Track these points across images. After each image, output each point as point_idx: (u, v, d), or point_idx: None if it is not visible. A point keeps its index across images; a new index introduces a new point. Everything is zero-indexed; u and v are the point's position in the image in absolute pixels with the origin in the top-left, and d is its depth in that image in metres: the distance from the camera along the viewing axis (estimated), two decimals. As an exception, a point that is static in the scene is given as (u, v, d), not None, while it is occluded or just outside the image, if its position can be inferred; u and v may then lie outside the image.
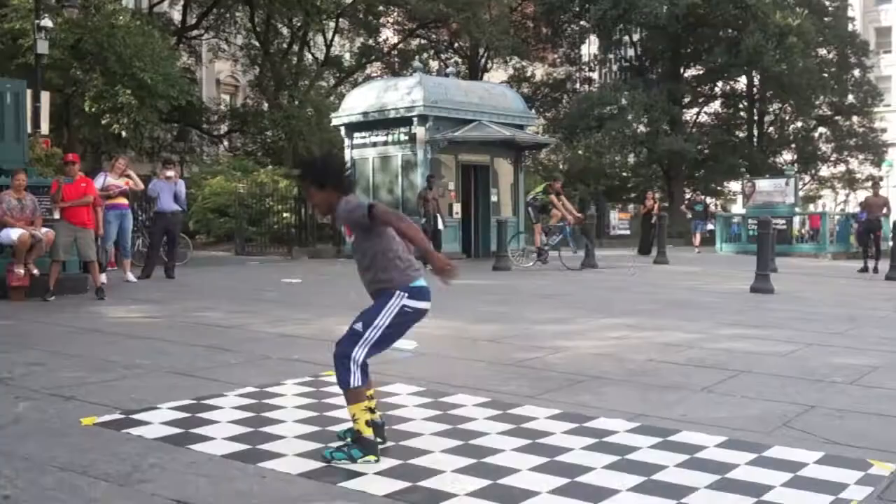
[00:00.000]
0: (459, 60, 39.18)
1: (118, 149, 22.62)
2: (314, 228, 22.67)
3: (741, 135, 43.02)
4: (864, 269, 18.21)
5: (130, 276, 13.08)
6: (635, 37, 40.55)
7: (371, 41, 37.42)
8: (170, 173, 14.25)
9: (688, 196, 39.41)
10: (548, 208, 17.43)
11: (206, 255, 20.77)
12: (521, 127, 22.22)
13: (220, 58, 36.32)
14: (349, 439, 4.00)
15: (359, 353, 3.89)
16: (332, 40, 36.17)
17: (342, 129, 21.90)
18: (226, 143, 36.92)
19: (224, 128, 36.13)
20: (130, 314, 9.37)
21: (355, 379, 3.88)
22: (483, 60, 40.14)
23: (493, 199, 21.37)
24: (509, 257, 17.19)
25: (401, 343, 7.05)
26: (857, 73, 40.48)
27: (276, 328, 8.17)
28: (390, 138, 20.70)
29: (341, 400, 4.18)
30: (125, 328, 8.15)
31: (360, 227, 3.93)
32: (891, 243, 18.10)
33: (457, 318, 9.04)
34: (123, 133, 21.34)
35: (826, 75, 38.77)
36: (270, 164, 31.38)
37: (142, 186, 14.19)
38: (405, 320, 3.98)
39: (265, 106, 33.16)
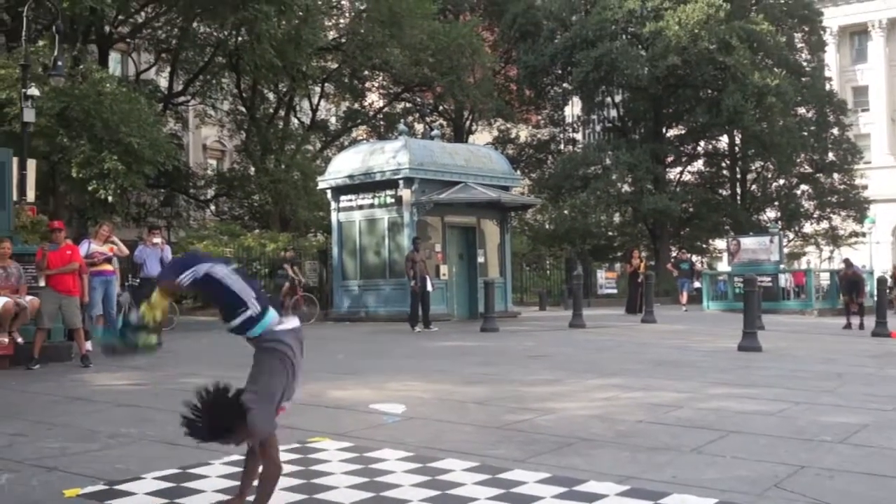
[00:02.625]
0: (444, 123, 39.65)
1: (104, 214, 22.57)
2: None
3: (724, 193, 43.44)
4: (848, 326, 18.34)
5: (116, 343, 12.95)
6: (617, 98, 41.23)
7: (356, 105, 37.83)
8: (156, 240, 14.21)
9: (673, 254, 39.59)
10: None
11: (194, 320, 20.64)
12: (506, 188, 22.38)
13: (206, 123, 36.56)
14: None
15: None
16: (318, 105, 36.55)
17: (328, 192, 22.00)
18: (212, 207, 37.00)
19: (211, 192, 36.22)
20: (116, 381, 9.27)
21: None
22: (468, 123, 40.64)
23: (480, 259, 21.40)
24: None
25: (389, 407, 7.04)
26: (835, 131, 41.11)
27: (262, 394, 8.08)
28: (377, 201, 20.79)
29: (329, 466, 4.14)
30: (110, 396, 8.06)
31: None
32: (874, 299, 18.21)
33: (445, 380, 9.01)
34: (110, 198, 21.35)
35: (806, 134, 39.31)
36: (257, 229, 31.47)
37: (126, 252, 14.13)
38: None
39: (252, 170, 33.29)
